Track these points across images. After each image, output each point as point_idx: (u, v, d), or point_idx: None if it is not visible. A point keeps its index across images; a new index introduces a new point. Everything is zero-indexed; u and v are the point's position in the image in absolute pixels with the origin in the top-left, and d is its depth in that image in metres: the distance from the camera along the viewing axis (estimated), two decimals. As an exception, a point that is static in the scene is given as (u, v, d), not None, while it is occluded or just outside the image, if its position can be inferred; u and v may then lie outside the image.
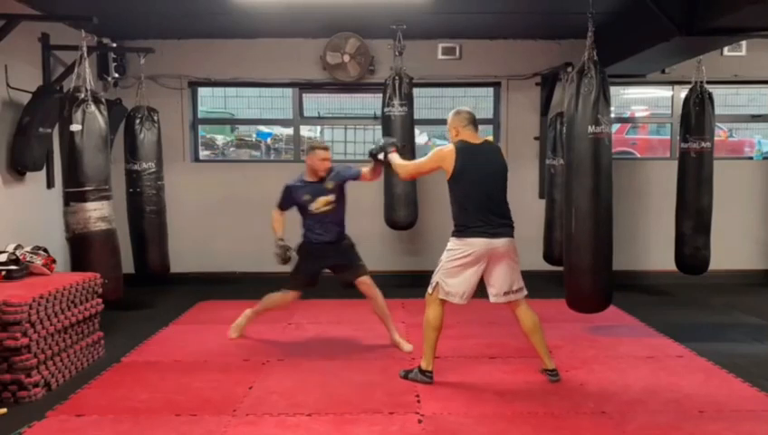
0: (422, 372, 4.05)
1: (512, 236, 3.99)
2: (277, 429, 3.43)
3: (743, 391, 3.94)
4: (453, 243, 3.94)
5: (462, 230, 3.90)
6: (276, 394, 3.89)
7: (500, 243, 3.90)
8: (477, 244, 3.86)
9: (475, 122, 4.06)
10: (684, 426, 3.44)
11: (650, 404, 3.73)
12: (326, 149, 4.76)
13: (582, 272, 4.60)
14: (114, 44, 6.63)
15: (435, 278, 4.00)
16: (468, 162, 3.89)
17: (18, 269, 4.25)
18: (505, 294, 3.99)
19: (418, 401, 3.76)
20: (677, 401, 3.78)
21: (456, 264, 3.90)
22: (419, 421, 3.50)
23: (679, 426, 3.44)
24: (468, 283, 3.92)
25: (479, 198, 3.90)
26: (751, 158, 8.09)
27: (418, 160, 4.22)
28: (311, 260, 4.79)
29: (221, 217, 7.19)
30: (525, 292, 4.06)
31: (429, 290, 4.02)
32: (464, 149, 3.92)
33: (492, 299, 4.02)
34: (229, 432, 3.39)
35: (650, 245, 7.11)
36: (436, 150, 4.01)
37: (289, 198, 4.81)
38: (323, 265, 4.81)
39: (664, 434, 3.36)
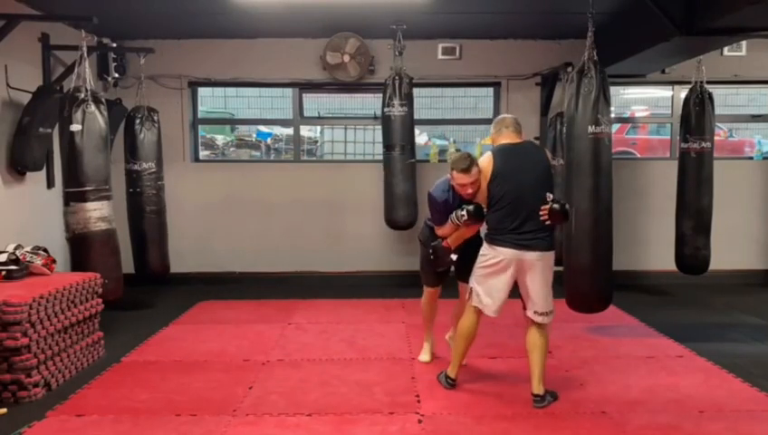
0: (446, 377, 3.98)
1: (547, 249, 3.71)
2: (277, 429, 3.43)
3: (743, 391, 3.94)
4: (484, 247, 3.77)
5: (492, 236, 3.71)
6: (276, 394, 3.89)
7: (531, 256, 3.65)
8: (506, 253, 3.66)
9: (513, 124, 3.83)
10: (684, 426, 3.44)
11: (650, 404, 3.73)
12: (465, 171, 3.71)
13: (582, 272, 4.60)
14: (114, 44, 6.63)
15: (470, 283, 3.83)
16: (504, 164, 3.67)
17: (18, 269, 4.25)
18: (537, 314, 3.75)
19: (418, 401, 3.76)
20: (677, 401, 3.78)
21: (486, 272, 3.73)
22: (419, 421, 3.50)
23: (679, 426, 3.44)
24: (496, 291, 3.71)
25: (513, 203, 3.63)
26: (751, 158, 8.07)
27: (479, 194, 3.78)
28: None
29: (221, 217, 7.19)
30: (553, 316, 3.80)
31: (467, 296, 3.87)
32: (500, 152, 3.73)
33: (528, 314, 3.79)
34: (229, 432, 3.39)
35: (650, 245, 7.10)
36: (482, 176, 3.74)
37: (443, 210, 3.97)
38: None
39: (664, 434, 3.37)
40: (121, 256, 5.27)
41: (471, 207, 3.74)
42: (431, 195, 3.99)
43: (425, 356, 4.50)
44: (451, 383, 3.95)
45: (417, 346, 4.71)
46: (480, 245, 3.85)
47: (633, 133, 10.16)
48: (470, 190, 3.74)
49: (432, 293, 4.36)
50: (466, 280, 3.92)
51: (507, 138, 3.81)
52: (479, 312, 3.81)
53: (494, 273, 3.71)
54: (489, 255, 3.71)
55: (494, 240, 3.70)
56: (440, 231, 4.00)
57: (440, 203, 3.92)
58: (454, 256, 3.99)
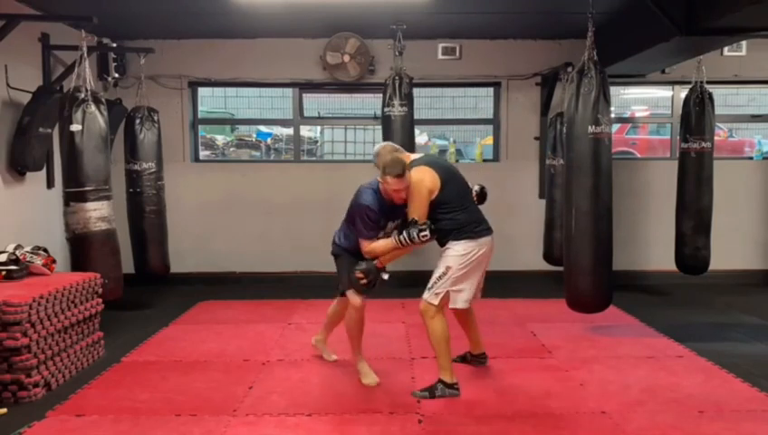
0: (448, 386, 3.82)
1: None
2: (277, 429, 3.43)
3: (743, 391, 3.93)
4: (463, 247, 3.76)
5: (473, 231, 3.80)
6: (276, 394, 3.89)
7: (491, 238, 3.93)
8: (486, 242, 3.85)
9: (397, 147, 4.12)
10: (684, 426, 3.44)
11: (650, 404, 3.72)
12: (401, 176, 3.65)
13: (582, 272, 4.60)
14: (114, 44, 6.63)
15: (439, 289, 3.80)
16: (442, 171, 3.84)
17: (18, 269, 4.25)
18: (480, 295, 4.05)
19: (418, 401, 3.76)
20: (677, 400, 3.78)
21: (470, 268, 3.79)
22: (419, 421, 3.50)
23: (679, 426, 3.44)
24: (475, 285, 3.90)
25: (466, 199, 3.91)
26: (751, 158, 8.07)
27: (416, 212, 3.75)
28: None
29: (221, 217, 7.19)
30: None
31: (435, 302, 3.80)
32: (429, 163, 3.87)
33: (468, 303, 3.93)
34: (229, 432, 3.39)
35: (650, 245, 7.10)
36: (416, 185, 3.72)
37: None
38: None
39: (664, 434, 3.36)
40: (121, 256, 5.27)
41: (428, 225, 3.65)
42: (367, 206, 3.78)
43: (372, 378, 4.05)
44: (456, 388, 3.84)
45: (417, 346, 4.72)
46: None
47: (633, 133, 10.16)
48: (404, 195, 3.71)
49: (363, 303, 3.99)
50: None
51: (406, 156, 3.92)
52: (444, 310, 3.89)
53: (478, 264, 3.84)
54: (473, 250, 3.79)
55: (473, 234, 3.81)
56: (371, 246, 3.78)
57: (376, 212, 3.77)
58: (386, 276, 3.83)
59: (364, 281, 3.83)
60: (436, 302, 3.81)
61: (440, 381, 3.84)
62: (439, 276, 3.82)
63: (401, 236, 3.69)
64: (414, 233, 3.65)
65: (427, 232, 3.66)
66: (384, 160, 3.77)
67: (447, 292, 3.82)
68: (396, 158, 3.75)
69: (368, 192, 3.84)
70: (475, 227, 3.83)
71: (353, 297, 3.97)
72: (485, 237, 3.86)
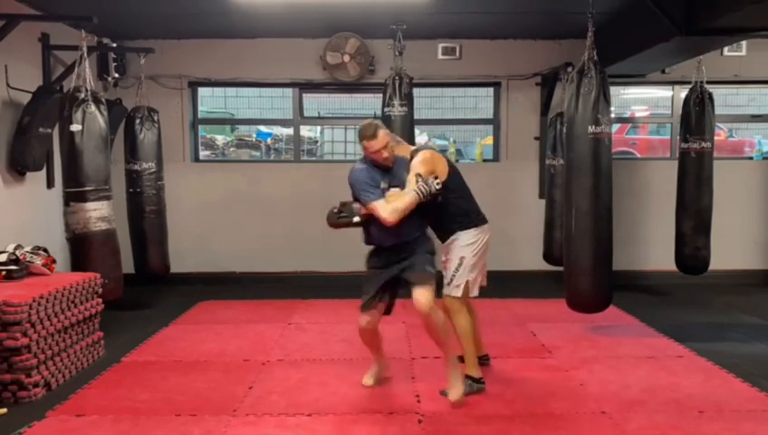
0: (476, 380, 3.86)
1: None
2: (277, 429, 3.43)
3: (743, 391, 3.94)
4: (473, 234, 3.85)
5: (475, 218, 3.93)
6: (276, 394, 3.89)
7: (489, 227, 4.02)
8: (487, 229, 3.96)
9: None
10: (684, 426, 3.44)
11: (650, 404, 3.72)
12: (372, 137, 3.64)
13: (582, 272, 4.60)
14: (114, 44, 6.63)
15: (459, 280, 3.82)
16: (448, 160, 3.97)
17: (18, 269, 4.25)
18: (484, 284, 4.04)
19: (418, 401, 3.76)
20: (677, 401, 3.78)
21: (480, 253, 3.90)
22: (419, 421, 3.50)
23: (679, 426, 3.44)
24: (482, 270, 3.98)
25: (467, 189, 4.01)
26: (751, 158, 8.08)
27: (421, 171, 3.69)
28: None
29: (221, 217, 7.19)
30: None
31: (458, 294, 3.82)
32: (435, 151, 4.01)
33: (476, 293, 3.98)
34: (229, 432, 3.39)
35: (650, 245, 7.10)
36: (429, 159, 3.75)
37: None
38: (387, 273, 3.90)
39: (664, 434, 3.36)
40: (121, 256, 5.27)
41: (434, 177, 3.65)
42: (358, 170, 3.75)
43: (368, 379, 4.04)
44: (483, 382, 3.87)
45: (417, 346, 4.72)
46: (416, 249, 3.76)
47: (633, 133, 10.16)
48: (386, 154, 3.67)
49: (369, 320, 3.86)
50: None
51: (406, 147, 3.97)
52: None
53: (484, 253, 3.94)
54: (481, 236, 3.90)
55: (478, 221, 3.94)
56: (392, 205, 3.59)
57: (368, 175, 3.70)
58: (357, 219, 3.75)
59: (338, 215, 3.81)
60: (459, 294, 3.85)
61: (468, 377, 3.87)
62: (456, 268, 3.86)
63: (419, 185, 3.60)
64: (431, 181, 3.61)
65: (439, 182, 3.64)
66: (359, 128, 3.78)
67: (467, 283, 3.84)
68: (369, 122, 3.76)
69: (357, 163, 3.87)
70: (478, 215, 3.96)
71: (361, 319, 3.89)
72: (486, 224, 3.98)
